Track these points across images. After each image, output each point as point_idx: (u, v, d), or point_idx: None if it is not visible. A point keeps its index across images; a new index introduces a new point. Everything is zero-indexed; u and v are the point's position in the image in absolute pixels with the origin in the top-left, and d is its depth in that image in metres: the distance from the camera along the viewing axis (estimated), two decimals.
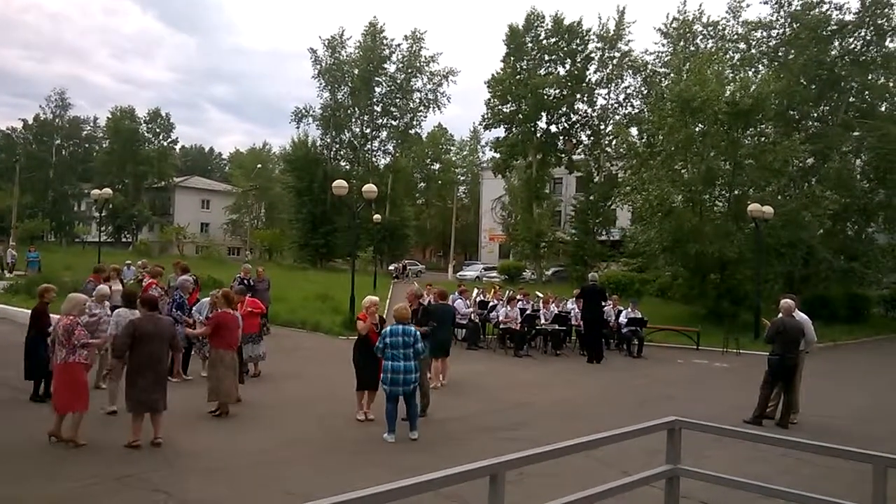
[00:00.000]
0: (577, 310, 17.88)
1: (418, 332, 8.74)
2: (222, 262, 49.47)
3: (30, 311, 9.94)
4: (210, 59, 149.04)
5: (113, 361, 8.90)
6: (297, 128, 60.54)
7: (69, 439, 7.55)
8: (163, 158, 76.31)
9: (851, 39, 29.18)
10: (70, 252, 51.72)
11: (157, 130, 77.82)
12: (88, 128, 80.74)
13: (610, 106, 46.15)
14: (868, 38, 28.97)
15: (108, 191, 34.37)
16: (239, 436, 8.38)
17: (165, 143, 78.99)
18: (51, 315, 9.36)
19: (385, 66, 57.75)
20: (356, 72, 56.80)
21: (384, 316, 10.96)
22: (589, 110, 47.01)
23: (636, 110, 41.80)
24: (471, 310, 17.68)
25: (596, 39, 45.88)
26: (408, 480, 2.97)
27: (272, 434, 8.56)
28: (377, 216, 43.93)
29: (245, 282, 16.01)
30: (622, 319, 18.00)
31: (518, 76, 45.77)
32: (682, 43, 32.55)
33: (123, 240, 73.21)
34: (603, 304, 17.30)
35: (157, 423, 7.67)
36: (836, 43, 29.14)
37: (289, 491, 6.36)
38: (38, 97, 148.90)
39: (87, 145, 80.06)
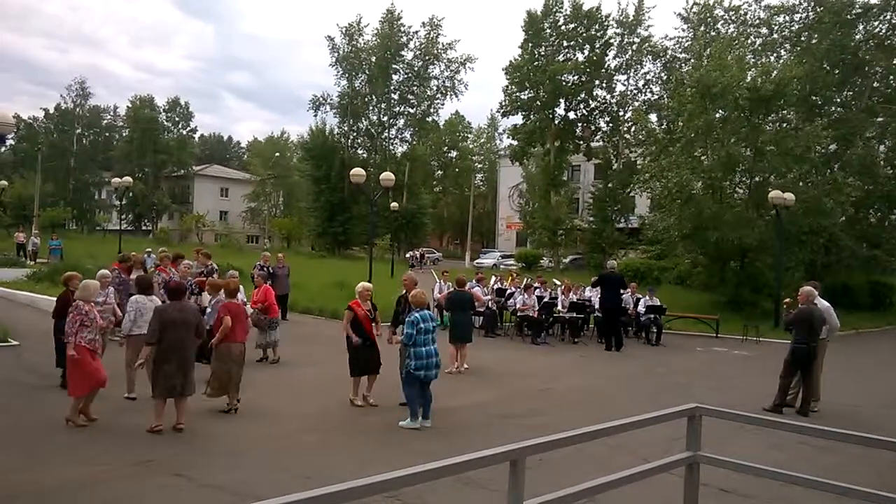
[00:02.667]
0: (595, 297, 17.81)
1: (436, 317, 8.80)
2: (241, 250, 49.82)
3: (54, 299, 10.06)
4: (227, 47, 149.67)
5: (146, 349, 8.97)
6: (315, 116, 60.86)
7: (79, 416, 7.78)
8: (182, 147, 76.88)
9: (876, 23, 28.62)
10: (91, 240, 52.32)
11: (177, 119, 78.42)
12: (108, 117, 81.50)
13: (629, 92, 45.87)
14: (894, 21, 28.39)
15: (128, 179, 34.74)
16: (257, 421, 8.46)
17: (185, 132, 79.59)
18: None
19: (402, 53, 57.68)
20: (373, 59, 56.77)
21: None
22: (608, 97, 46.73)
23: (655, 96, 41.49)
24: (488, 297, 17.67)
25: (615, 25, 45.52)
26: (429, 465, 2.98)
27: (291, 420, 8.63)
28: (394, 204, 44.00)
29: (265, 269, 16.14)
30: (640, 307, 17.90)
31: (536, 62, 45.49)
32: (702, 28, 32.16)
33: (143, 228, 73.96)
34: (622, 291, 17.13)
35: (180, 409, 7.79)
36: (861, 27, 28.58)
37: (308, 475, 6.40)
38: (59, 86, 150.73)
39: (107, 134, 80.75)
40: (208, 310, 10.73)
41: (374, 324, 9.40)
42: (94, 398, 7.95)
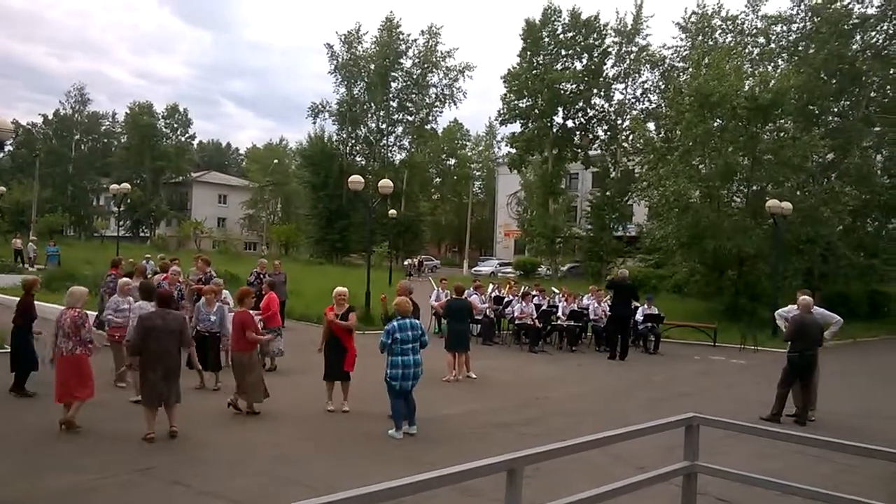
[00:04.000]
0: (594, 306, 17.82)
1: (423, 326, 8.71)
2: (239, 257, 49.74)
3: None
4: (226, 55, 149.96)
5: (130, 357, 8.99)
6: (314, 123, 60.92)
7: (67, 421, 7.79)
8: (180, 154, 76.97)
9: (873, 33, 28.74)
10: (89, 246, 52.25)
11: (175, 126, 78.54)
12: (107, 123, 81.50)
13: (627, 101, 45.93)
14: (891, 31, 28.50)
15: (126, 186, 34.59)
16: (254, 428, 8.46)
17: (183, 139, 79.72)
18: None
19: (401, 61, 57.78)
20: (372, 67, 56.89)
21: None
22: (606, 105, 46.77)
23: (653, 105, 41.62)
24: (486, 305, 17.67)
25: (613, 34, 45.61)
26: (427, 474, 2.99)
27: (288, 428, 8.62)
28: (392, 211, 43.97)
29: (262, 276, 16.11)
30: (638, 316, 17.88)
31: (534, 71, 45.56)
32: (700, 37, 32.30)
33: (142, 234, 73.88)
34: (634, 302, 17.00)
35: (171, 415, 7.78)
36: (858, 37, 28.71)
37: (306, 484, 6.40)
38: (59, 93, 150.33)
39: (105, 140, 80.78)
40: (212, 318, 10.69)
41: (348, 329, 9.37)
42: (79, 407, 7.95)
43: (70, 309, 8.00)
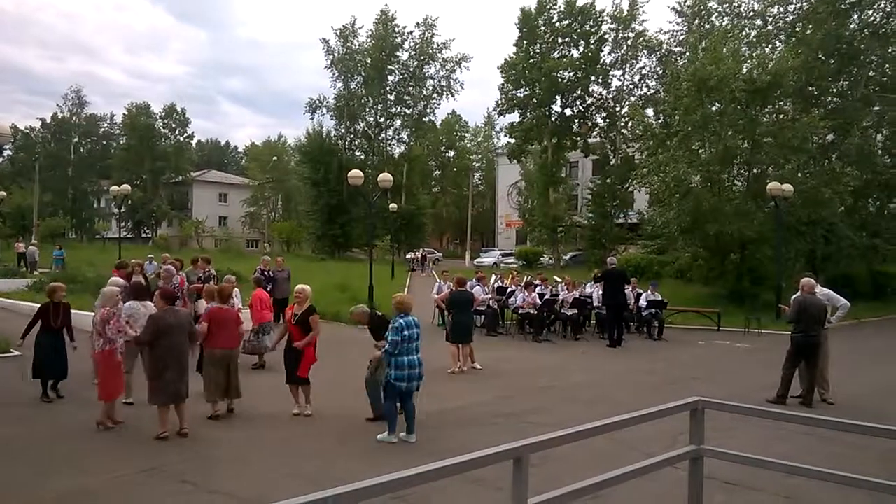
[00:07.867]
0: (598, 293, 17.80)
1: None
2: (241, 255, 49.81)
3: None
4: (222, 53, 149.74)
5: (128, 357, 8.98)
6: (312, 119, 61.00)
7: (99, 421, 7.98)
8: (179, 153, 77.05)
9: (871, 12, 28.58)
10: (91, 248, 52.36)
11: (173, 125, 78.56)
12: (105, 125, 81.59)
13: (625, 87, 45.95)
14: (888, 9, 28.36)
15: (126, 187, 34.68)
16: (258, 426, 8.48)
17: (182, 138, 79.72)
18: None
19: (397, 54, 57.73)
20: (369, 61, 56.83)
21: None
22: (604, 92, 46.76)
23: (652, 91, 41.51)
24: (489, 296, 17.68)
25: (609, 20, 45.57)
26: (432, 464, 2.99)
27: (291, 424, 8.64)
28: (393, 205, 43.94)
29: (265, 273, 16.12)
30: (642, 302, 17.89)
31: (531, 60, 45.50)
32: (697, 21, 32.16)
33: (143, 235, 74.00)
34: (626, 287, 17.01)
35: (182, 414, 7.84)
36: (855, 16, 28.55)
37: (313, 478, 6.41)
38: (55, 95, 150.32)
39: (104, 142, 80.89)
40: None
41: (302, 328, 8.84)
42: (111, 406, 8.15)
43: (102, 308, 8.25)
